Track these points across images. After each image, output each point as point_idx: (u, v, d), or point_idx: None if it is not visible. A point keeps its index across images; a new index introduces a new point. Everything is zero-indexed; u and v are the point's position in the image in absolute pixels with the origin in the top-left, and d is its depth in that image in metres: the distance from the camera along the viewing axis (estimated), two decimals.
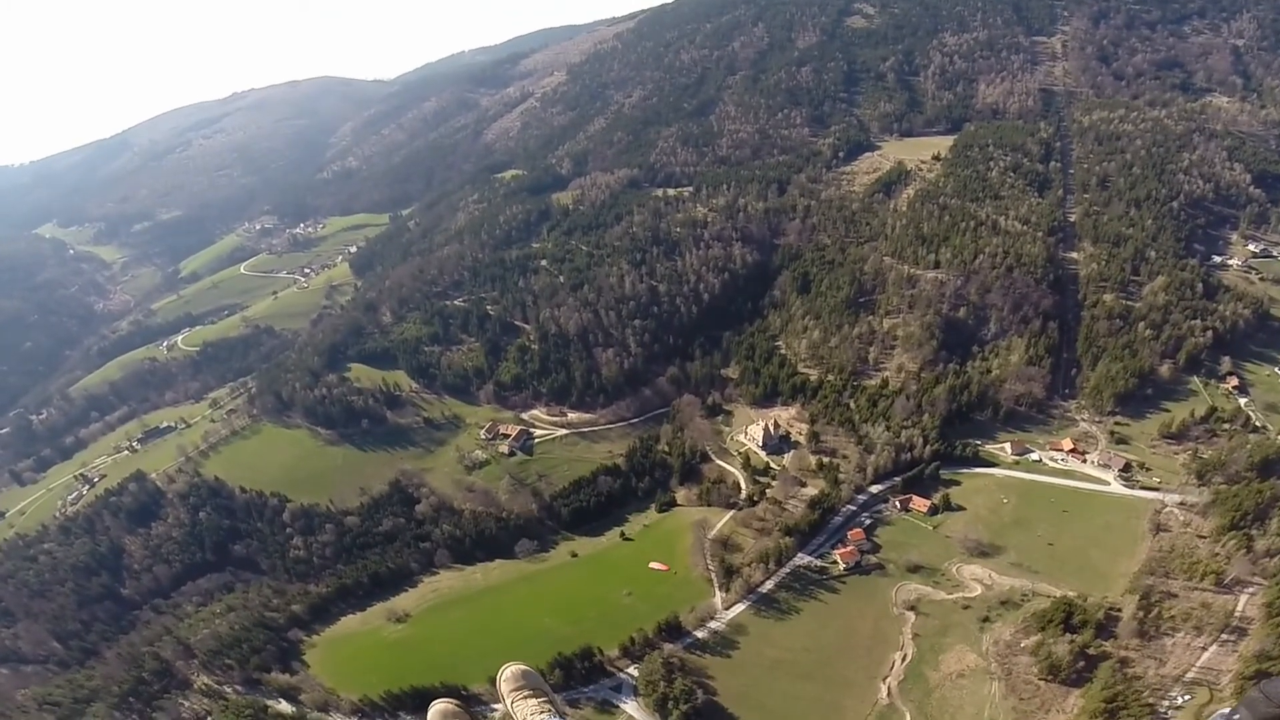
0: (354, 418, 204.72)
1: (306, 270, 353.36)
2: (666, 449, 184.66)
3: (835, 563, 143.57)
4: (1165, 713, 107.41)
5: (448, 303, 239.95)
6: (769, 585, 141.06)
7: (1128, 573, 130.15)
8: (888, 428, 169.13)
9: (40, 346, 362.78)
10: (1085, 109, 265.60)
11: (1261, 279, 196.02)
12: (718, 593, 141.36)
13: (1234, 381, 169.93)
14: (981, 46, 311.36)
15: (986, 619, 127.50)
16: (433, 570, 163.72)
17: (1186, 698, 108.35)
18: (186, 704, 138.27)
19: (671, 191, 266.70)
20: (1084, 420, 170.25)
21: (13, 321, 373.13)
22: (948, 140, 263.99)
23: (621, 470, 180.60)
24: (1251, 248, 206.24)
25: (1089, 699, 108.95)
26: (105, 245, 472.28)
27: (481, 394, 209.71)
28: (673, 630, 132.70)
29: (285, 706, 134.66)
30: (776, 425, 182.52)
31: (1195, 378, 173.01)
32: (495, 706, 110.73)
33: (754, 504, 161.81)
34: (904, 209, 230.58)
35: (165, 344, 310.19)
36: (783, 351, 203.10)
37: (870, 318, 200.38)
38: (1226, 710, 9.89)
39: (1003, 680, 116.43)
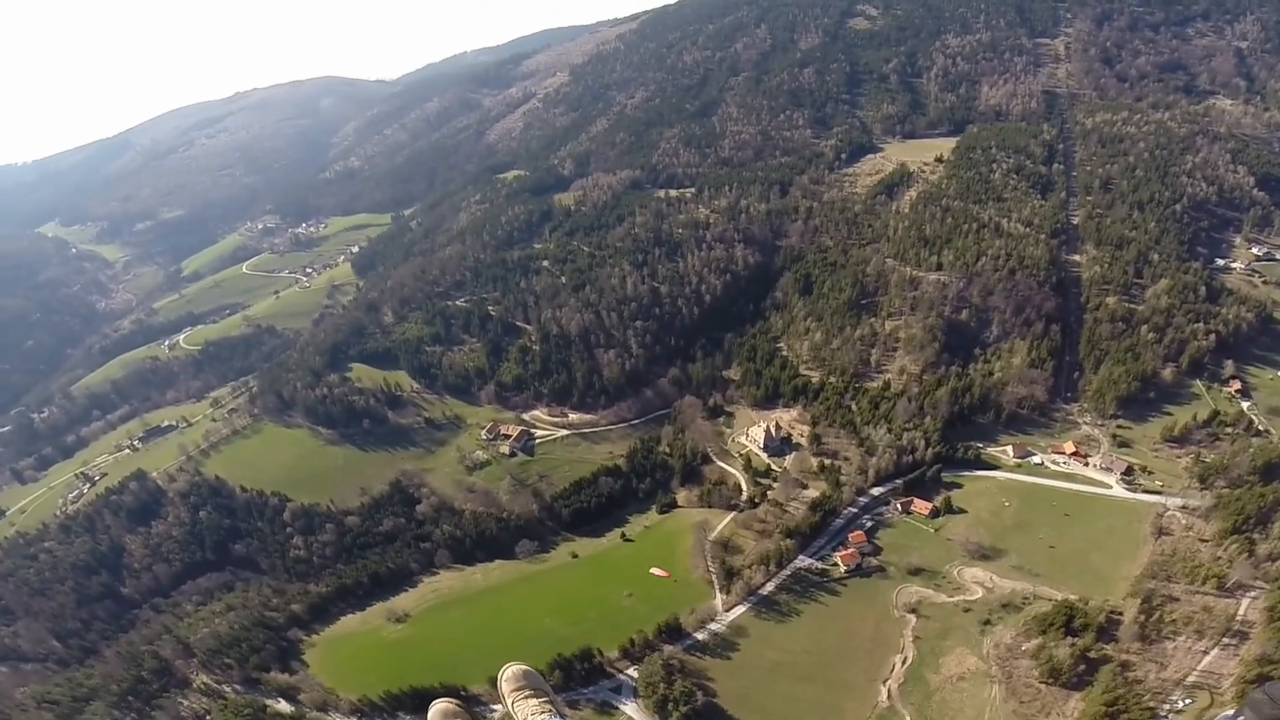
0: (355, 417, 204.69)
1: (308, 270, 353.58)
2: (667, 450, 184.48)
3: (836, 565, 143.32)
4: (1166, 716, 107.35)
5: (449, 303, 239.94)
6: (770, 587, 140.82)
7: (1129, 576, 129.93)
8: (889, 430, 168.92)
9: (42, 345, 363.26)
10: (1088, 111, 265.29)
11: (1265, 282, 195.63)
12: (718, 594, 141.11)
13: (1237, 385, 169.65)
14: (984, 48, 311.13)
15: (987, 622, 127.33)
16: (433, 570, 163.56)
17: (1187, 701, 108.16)
18: (185, 703, 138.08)
19: (674, 193, 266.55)
20: (1086, 423, 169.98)
21: (15, 320, 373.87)
22: (950, 142, 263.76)
23: (622, 471, 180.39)
24: (1255, 251, 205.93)
25: (1090, 702, 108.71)
26: (108, 244, 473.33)
27: (483, 394, 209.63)
28: (673, 632, 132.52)
29: (284, 706, 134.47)
30: (778, 427, 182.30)
31: (1198, 381, 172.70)
32: (495, 707, 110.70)
33: (755, 506, 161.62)
34: (906, 211, 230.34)
35: (167, 343, 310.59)
36: (784, 353, 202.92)
37: (872, 320, 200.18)
38: (1230, 713, 9.88)
39: (1003, 683, 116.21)
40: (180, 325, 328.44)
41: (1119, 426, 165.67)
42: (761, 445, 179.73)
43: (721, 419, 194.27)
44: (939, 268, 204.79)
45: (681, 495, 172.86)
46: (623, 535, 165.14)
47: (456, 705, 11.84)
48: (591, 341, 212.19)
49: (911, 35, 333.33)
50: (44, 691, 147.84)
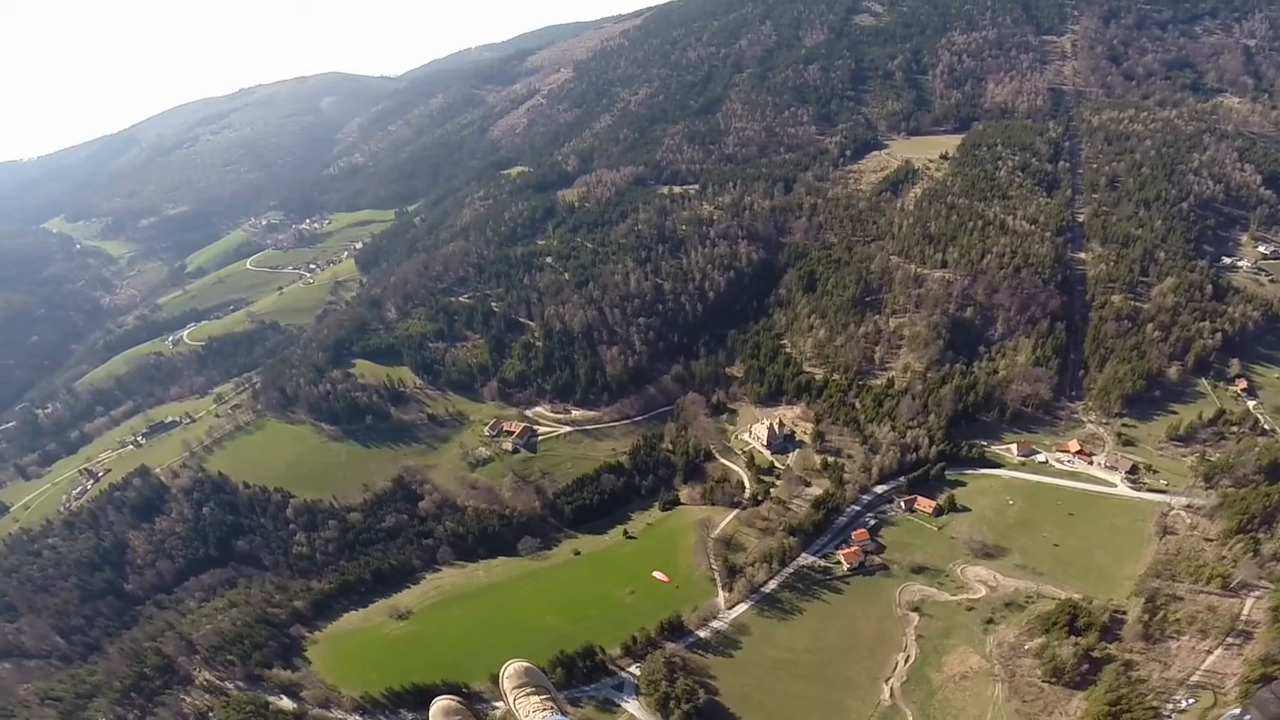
0: (358, 414, 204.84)
1: (312, 266, 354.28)
2: (670, 447, 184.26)
3: (839, 563, 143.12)
4: (1169, 716, 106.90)
5: (453, 299, 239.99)
6: (772, 585, 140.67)
7: (1133, 575, 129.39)
8: (893, 428, 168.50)
9: (46, 341, 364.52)
10: (1095, 109, 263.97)
11: (1271, 281, 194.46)
12: (720, 592, 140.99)
13: (1243, 384, 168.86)
14: (990, 45, 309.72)
15: (990, 620, 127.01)
16: (435, 567, 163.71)
17: (1191, 701, 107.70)
18: (188, 700, 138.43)
19: (677, 189, 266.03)
20: (1091, 422, 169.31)
21: (19, 315, 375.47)
22: (956, 139, 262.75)
23: (625, 468, 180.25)
24: (1262, 249, 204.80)
25: (1093, 702, 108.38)
26: (112, 240, 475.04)
27: (486, 391, 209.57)
28: (675, 629, 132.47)
29: (286, 703, 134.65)
30: (781, 424, 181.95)
31: (1204, 380, 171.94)
32: (497, 704, 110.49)
33: (758, 503, 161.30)
34: (911, 208, 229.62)
35: (171, 339, 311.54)
36: (788, 350, 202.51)
37: (876, 317, 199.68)
38: (1236, 711, 9.67)
39: (1006, 682, 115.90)
40: (184, 321, 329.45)
41: (1124, 425, 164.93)
42: (764, 442, 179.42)
43: (724, 416, 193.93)
44: (944, 265, 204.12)
45: (684, 492, 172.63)
46: (625, 532, 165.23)
47: (458, 703, 11.69)
48: (595, 338, 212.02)
49: (917, 32, 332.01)
50: (47, 688, 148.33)
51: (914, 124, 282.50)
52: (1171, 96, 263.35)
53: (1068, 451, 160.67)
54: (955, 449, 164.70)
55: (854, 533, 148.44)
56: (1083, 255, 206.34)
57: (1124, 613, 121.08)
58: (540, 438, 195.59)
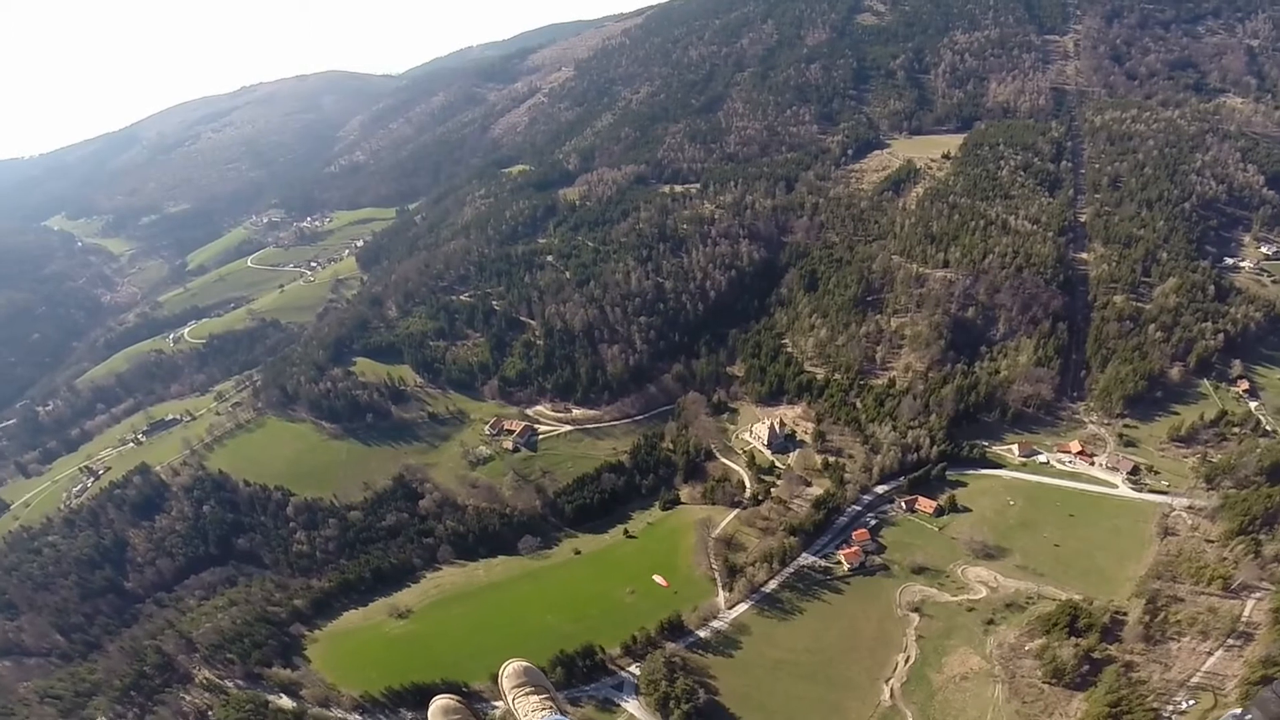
0: (358, 412, 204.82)
1: (313, 264, 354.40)
2: (671, 447, 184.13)
3: (839, 563, 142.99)
4: (1169, 717, 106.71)
5: (453, 298, 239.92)
6: (772, 585, 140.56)
7: (1134, 576, 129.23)
8: (894, 428, 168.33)
9: (47, 338, 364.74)
10: (1097, 108, 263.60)
11: (1274, 281, 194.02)
12: (721, 592, 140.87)
13: (1245, 385, 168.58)
14: (993, 45, 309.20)
15: (991, 621, 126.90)
16: (435, 566, 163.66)
17: (1191, 703, 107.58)
18: (188, 698, 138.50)
19: (679, 188, 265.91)
20: (1092, 422, 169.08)
21: (20, 313, 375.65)
22: (958, 139, 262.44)
23: (626, 467, 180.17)
24: (1264, 250, 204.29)
25: (1093, 703, 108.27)
26: (113, 238, 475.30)
27: (486, 389, 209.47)
28: (675, 629, 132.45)
29: (286, 702, 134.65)
30: (782, 424, 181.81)
31: (1205, 380, 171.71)
32: (497, 704, 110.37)
33: (758, 503, 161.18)
34: (913, 207, 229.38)
35: (171, 336, 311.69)
36: (789, 350, 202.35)
37: (878, 317, 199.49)
38: (1238, 711, 9.55)
39: (1006, 683, 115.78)
40: (185, 319, 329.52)
41: (1125, 426, 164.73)
42: (765, 442, 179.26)
43: (725, 415, 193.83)
44: (945, 265, 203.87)
45: (685, 492, 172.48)
46: (626, 532, 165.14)
47: (458, 702, 11.66)
48: (595, 337, 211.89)
49: (919, 31, 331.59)
50: (47, 686, 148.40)
51: (916, 123, 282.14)
52: (1174, 96, 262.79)
53: (1069, 452, 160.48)
54: (956, 449, 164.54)
55: (855, 533, 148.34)
56: (1085, 255, 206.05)
57: (1125, 614, 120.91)
58: (541, 436, 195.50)
